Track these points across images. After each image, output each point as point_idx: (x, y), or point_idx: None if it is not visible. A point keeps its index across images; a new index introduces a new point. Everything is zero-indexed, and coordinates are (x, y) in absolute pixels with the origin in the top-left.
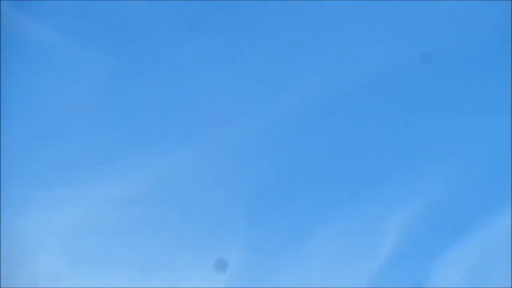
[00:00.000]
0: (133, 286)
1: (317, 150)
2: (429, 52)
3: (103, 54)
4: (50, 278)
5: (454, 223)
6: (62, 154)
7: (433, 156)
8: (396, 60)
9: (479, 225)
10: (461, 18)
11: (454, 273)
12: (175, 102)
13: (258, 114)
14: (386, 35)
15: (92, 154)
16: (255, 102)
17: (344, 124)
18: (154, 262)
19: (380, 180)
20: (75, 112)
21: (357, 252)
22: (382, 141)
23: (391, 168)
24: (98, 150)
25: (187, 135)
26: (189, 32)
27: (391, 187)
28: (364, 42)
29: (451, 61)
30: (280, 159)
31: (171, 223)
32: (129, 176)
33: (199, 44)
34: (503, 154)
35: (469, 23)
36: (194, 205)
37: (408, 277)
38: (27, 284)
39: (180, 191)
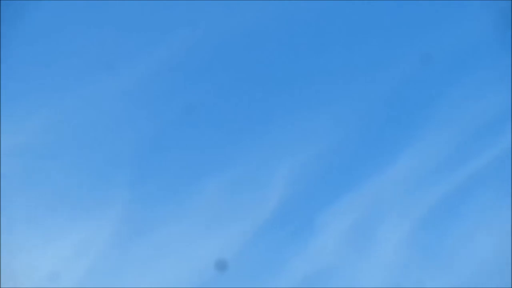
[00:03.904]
0: (133, 286)
1: (203, 100)
2: (429, 52)
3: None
4: None
5: (342, 174)
6: None
7: (323, 105)
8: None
9: (367, 177)
10: (461, 18)
11: (340, 224)
12: (62, 51)
13: (143, 62)
14: None
15: None
16: (144, 50)
17: (229, 72)
18: (37, 215)
19: (266, 131)
20: None
21: (244, 204)
22: (270, 89)
23: (278, 117)
24: None
25: (75, 83)
26: None
27: (278, 138)
28: None
29: (451, 61)
30: (166, 109)
31: (56, 174)
32: (16, 126)
33: None
34: (387, 112)
35: (469, 23)
36: (80, 156)
37: (295, 227)
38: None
39: (66, 142)
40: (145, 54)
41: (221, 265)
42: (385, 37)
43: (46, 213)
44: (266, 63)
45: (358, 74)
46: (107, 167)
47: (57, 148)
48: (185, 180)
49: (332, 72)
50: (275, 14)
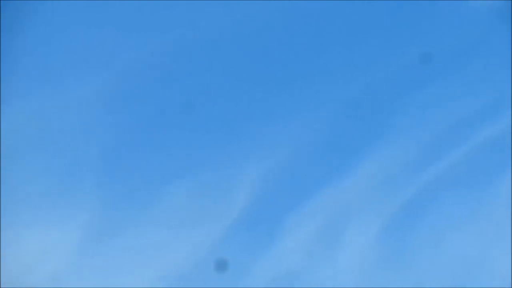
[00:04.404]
0: (133, 286)
1: (171, 104)
2: (430, 52)
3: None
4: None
5: (310, 176)
6: None
7: (290, 109)
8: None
9: (335, 179)
10: (461, 18)
11: (308, 226)
12: (27, 52)
13: (110, 65)
14: None
15: None
16: (117, 54)
17: (197, 76)
18: (2, 219)
19: (234, 134)
20: None
21: (212, 206)
22: (237, 93)
23: (247, 121)
24: None
25: (40, 85)
26: None
27: (245, 142)
28: None
29: (450, 61)
30: (134, 112)
31: (22, 177)
32: None
33: None
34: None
35: (469, 23)
36: (47, 159)
37: (263, 230)
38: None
39: (32, 144)
40: (113, 56)
41: (221, 265)
42: (353, 41)
43: (11, 217)
44: (235, 68)
45: (324, 78)
46: (75, 170)
47: (24, 151)
48: (154, 183)
49: (298, 77)
50: (243, 19)
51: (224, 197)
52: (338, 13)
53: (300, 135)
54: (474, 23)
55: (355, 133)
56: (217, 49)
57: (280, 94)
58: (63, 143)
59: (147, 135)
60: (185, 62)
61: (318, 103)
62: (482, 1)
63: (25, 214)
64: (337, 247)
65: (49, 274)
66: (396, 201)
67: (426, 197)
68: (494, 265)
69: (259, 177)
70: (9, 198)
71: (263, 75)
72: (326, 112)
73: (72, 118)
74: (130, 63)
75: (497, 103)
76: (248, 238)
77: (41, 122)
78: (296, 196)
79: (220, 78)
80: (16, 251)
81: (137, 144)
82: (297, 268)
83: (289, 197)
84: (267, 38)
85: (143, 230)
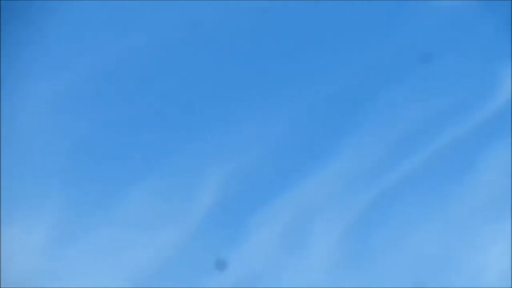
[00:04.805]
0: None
1: (134, 106)
2: (430, 52)
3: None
4: None
5: (274, 177)
6: None
7: (254, 110)
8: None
9: (299, 179)
10: (461, 18)
11: (273, 227)
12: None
13: (78, 66)
14: None
15: None
16: (81, 53)
17: (160, 79)
18: None
19: (198, 135)
20: None
21: (176, 208)
22: (200, 94)
23: (210, 122)
24: None
25: (5, 85)
26: None
27: (209, 142)
28: None
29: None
30: (99, 114)
31: None
32: None
33: None
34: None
35: (469, 23)
36: (11, 161)
37: (228, 231)
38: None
39: (2, 143)
40: (82, 57)
41: (221, 265)
42: (321, 42)
43: None
44: (198, 70)
45: (290, 79)
46: (40, 171)
47: None
48: (118, 184)
49: (264, 78)
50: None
51: (189, 198)
52: (308, 14)
53: (264, 135)
54: (444, 22)
55: (320, 133)
56: (180, 51)
57: (244, 94)
58: (28, 144)
59: (111, 136)
60: (146, 64)
61: (282, 104)
62: (482, 1)
63: None
64: (302, 247)
65: (15, 275)
66: (361, 201)
67: (390, 197)
68: (457, 264)
69: (224, 177)
70: None
71: (228, 77)
72: (290, 114)
73: (36, 119)
74: (90, 67)
75: (462, 103)
76: (213, 240)
77: (5, 123)
78: (261, 197)
79: (186, 79)
80: None
81: (101, 146)
82: (262, 269)
83: (254, 198)
84: (243, 40)
85: (108, 231)
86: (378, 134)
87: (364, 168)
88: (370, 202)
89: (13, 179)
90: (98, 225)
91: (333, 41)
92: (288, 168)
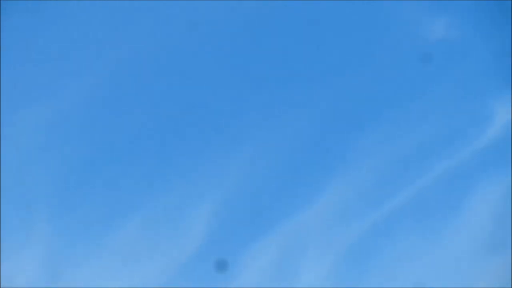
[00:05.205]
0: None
1: (123, 135)
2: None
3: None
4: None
5: (265, 211)
6: None
7: (245, 141)
8: None
9: (290, 213)
10: (461, 18)
11: (264, 261)
12: None
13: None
14: None
15: None
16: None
17: (149, 107)
18: None
19: (191, 166)
20: None
21: (166, 241)
22: (191, 126)
23: (201, 154)
24: None
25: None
26: None
27: (202, 174)
28: None
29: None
30: (87, 144)
31: None
32: None
33: None
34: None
35: (469, 23)
36: (4, 191)
37: (215, 267)
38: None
39: None
40: (71, 82)
41: (221, 266)
42: (310, 70)
43: None
44: (189, 98)
45: (279, 108)
46: (28, 203)
47: None
48: (108, 216)
49: (252, 108)
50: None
51: (179, 231)
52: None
53: (255, 169)
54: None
55: (313, 164)
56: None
57: (232, 127)
58: (15, 175)
59: (101, 167)
60: (139, 93)
61: (273, 136)
62: (482, 1)
63: None
64: (292, 281)
65: None
66: (351, 234)
67: (381, 231)
68: None
69: (214, 212)
70: None
71: (217, 107)
72: (282, 146)
73: (24, 147)
74: (83, 91)
75: (456, 133)
76: (203, 273)
77: None
78: (252, 231)
79: (172, 111)
80: None
81: (91, 177)
82: None
83: (245, 232)
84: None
85: (97, 262)
86: (369, 167)
87: (355, 201)
88: (360, 235)
89: (2, 210)
90: (88, 257)
91: (321, 68)
92: (279, 202)
